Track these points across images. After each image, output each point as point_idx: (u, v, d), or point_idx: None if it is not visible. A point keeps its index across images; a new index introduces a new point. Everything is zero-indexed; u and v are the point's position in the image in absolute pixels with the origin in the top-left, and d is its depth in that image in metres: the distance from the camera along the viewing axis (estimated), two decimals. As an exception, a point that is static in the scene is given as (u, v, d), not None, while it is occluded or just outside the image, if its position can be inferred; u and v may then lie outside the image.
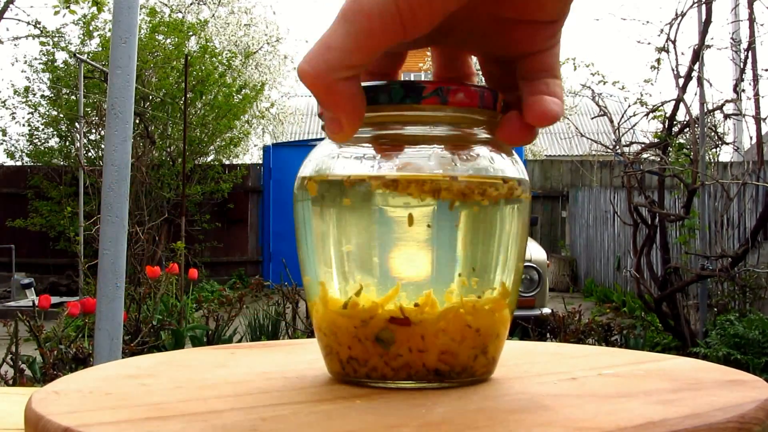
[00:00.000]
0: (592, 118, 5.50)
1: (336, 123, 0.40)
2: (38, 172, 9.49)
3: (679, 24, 4.59)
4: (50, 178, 9.29)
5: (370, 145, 0.45)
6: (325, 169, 0.46)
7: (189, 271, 5.32)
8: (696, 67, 4.58)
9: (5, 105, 9.96)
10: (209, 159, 9.78)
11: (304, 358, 0.60)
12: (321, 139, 0.49)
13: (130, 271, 5.69)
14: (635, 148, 5.13)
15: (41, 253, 9.67)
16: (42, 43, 9.16)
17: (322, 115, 0.43)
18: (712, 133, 5.05)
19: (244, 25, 14.02)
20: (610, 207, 8.40)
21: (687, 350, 4.32)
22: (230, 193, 9.73)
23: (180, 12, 12.48)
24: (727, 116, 4.93)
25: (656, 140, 4.87)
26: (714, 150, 5.15)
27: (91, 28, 8.97)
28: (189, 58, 7.83)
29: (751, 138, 5.37)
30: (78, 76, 7.33)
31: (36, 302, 3.64)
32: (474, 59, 0.49)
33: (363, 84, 0.41)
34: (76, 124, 8.06)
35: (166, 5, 12.03)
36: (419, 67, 12.55)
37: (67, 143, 9.30)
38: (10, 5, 7.77)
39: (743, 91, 4.95)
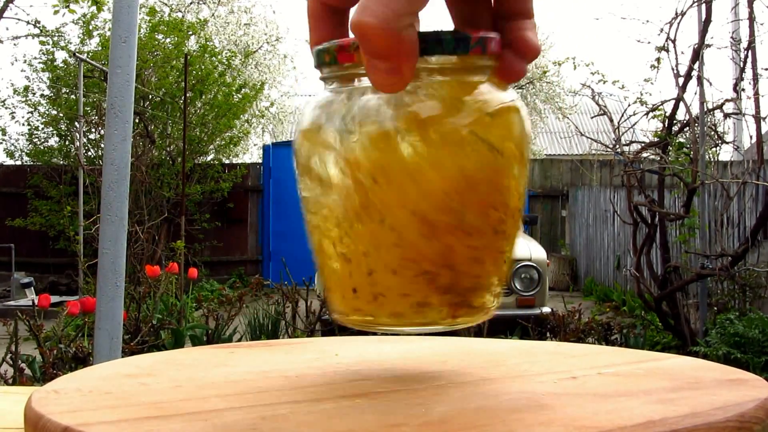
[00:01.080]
0: (592, 117, 5.50)
1: (395, 72, 0.40)
2: (38, 171, 9.50)
3: (678, 23, 4.59)
4: (50, 178, 9.30)
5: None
6: None
7: (189, 271, 5.33)
8: (696, 66, 4.58)
9: (5, 104, 9.97)
10: (209, 158, 9.78)
11: (304, 357, 0.60)
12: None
13: (130, 271, 5.70)
14: (635, 147, 5.13)
15: (41, 252, 9.67)
16: (42, 43, 9.17)
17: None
18: (712, 132, 5.05)
19: (244, 24, 14.03)
20: (609, 206, 8.41)
21: (687, 349, 4.32)
22: (230, 193, 9.74)
23: (180, 11, 12.49)
24: (727, 115, 4.93)
25: (656, 139, 4.87)
26: (714, 149, 5.15)
27: (90, 27, 8.97)
28: (189, 57, 7.83)
29: (751, 137, 5.38)
30: (78, 75, 7.33)
31: (36, 301, 3.64)
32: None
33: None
34: (76, 123, 8.06)
35: (165, 4, 12.04)
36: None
37: (67, 142, 9.31)
38: (10, 4, 7.78)
39: (743, 90, 4.96)
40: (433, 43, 0.43)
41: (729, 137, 5.64)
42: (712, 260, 4.69)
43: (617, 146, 4.93)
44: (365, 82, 0.45)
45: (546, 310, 4.91)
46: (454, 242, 0.45)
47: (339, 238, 0.47)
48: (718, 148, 5.22)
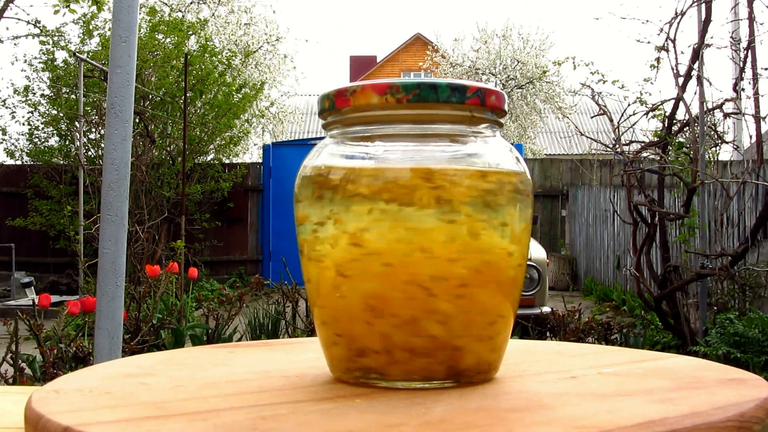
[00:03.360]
0: (592, 117, 5.50)
1: None
2: (38, 171, 9.49)
3: (678, 23, 4.59)
4: (50, 177, 9.29)
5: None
6: None
7: (189, 270, 5.32)
8: (696, 66, 4.58)
9: (5, 104, 9.95)
10: (209, 158, 9.78)
11: (304, 357, 0.60)
12: (320, 138, 0.50)
13: (130, 270, 5.71)
14: (635, 146, 5.13)
15: (41, 252, 9.66)
16: (42, 42, 9.15)
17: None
18: (712, 132, 5.05)
19: (244, 24, 14.02)
20: (609, 206, 8.41)
21: (687, 349, 4.32)
22: (230, 192, 9.74)
23: (180, 11, 12.48)
24: (726, 115, 4.93)
25: (656, 139, 4.87)
26: (713, 149, 5.15)
27: (90, 27, 8.96)
28: (189, 57, 7.83)
29: (750, 137, 5.37)
30: (78, 75, 7.33)
31: (36, 301, 3.64)
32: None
33: (407, 80, 0.42)
34: (76, 123, 8.06)
35: (166, 4, 12.04)
36: (419, 66, 12.54)
37: (67, 142, 9.30)
38: (10, 4, 7.77)
39: (743, 89, 4.96)
40: (426, 89, 0.43)
41: (729, 137, 5.64)
42: (712, 260, 4.69)
43: (617, 146, 4.93)
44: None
45: (546, 309, 4.91)
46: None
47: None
48: (717, 147, 5.21)
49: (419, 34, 25.78)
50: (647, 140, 5.07)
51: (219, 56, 9.94)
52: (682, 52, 4.69)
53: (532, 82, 15.74)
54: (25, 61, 9.53)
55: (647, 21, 5.35)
